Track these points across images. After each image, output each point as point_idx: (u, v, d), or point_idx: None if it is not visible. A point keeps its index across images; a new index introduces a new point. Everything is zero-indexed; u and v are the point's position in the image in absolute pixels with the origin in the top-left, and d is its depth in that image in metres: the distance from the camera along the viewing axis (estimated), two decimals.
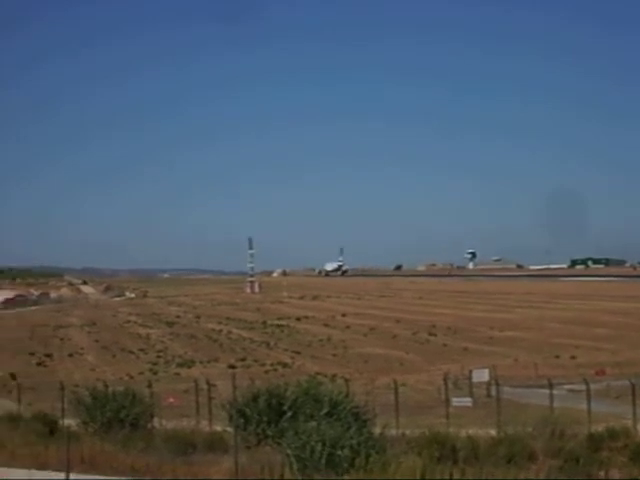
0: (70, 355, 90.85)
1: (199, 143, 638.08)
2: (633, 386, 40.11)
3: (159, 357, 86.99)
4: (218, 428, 29.15)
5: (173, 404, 40.24)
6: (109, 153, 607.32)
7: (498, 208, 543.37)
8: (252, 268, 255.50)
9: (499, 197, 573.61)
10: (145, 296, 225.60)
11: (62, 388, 38.30)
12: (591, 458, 23.13)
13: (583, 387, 42.70)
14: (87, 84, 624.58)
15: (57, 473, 18.64)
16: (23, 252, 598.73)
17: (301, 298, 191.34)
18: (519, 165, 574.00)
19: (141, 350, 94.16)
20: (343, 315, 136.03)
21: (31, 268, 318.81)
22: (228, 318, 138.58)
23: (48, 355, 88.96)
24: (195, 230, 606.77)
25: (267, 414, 24.16)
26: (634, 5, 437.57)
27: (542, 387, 48.48)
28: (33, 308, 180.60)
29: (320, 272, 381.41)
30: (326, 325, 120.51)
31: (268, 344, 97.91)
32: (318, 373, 64.73)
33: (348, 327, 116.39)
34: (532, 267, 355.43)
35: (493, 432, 29.21)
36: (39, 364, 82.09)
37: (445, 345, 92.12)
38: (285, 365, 77.65)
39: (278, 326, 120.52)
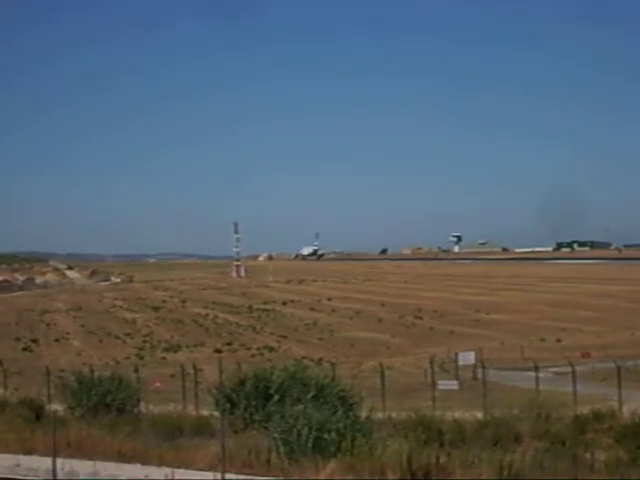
0: (56, 340, 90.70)
1: (187, 135, 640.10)
2: (618, 368, 40.30)
3: (145, 342, 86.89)
4: (205, 412, 29.12)
5: (159, 389, 40.19)
6: (96, 142, 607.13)
7: (483, 192, 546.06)
8: (238, 252, 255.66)
9: (484, 181, 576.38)
10: (131, 281, 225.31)
11: (48, 373, 38.20)
12: (577, 440, 23.21)
13: (569, 369, 42.81)
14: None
15: (44, 458, 18.59)
16: (7, 238, 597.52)
17: (287, 282, 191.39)
18: (503, 149, 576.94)
19: (127, 335, 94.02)
20: (329, 299, 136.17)
21: (16, 254, 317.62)
22: (214, 302, 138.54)
23: (34, 340, 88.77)
24: (181, 214, 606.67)
25: (254, 398, 24.16)
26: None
27: (528, 370, 48.67)
28: (19, 293, 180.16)
29: (297, 256, 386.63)
30: (312, 309, 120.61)
31: (254, 328, 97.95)
32: (304, 357, 64.86)
33: (334, 311, 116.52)
34: (517, 250, 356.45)
35: (479, 415, 29.26)
36: (25, 349, 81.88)
37: (431, 328, 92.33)
38: (271, 349, 77.69)
39: (264, 310, 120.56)
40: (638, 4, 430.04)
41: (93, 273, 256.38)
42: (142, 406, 29.31)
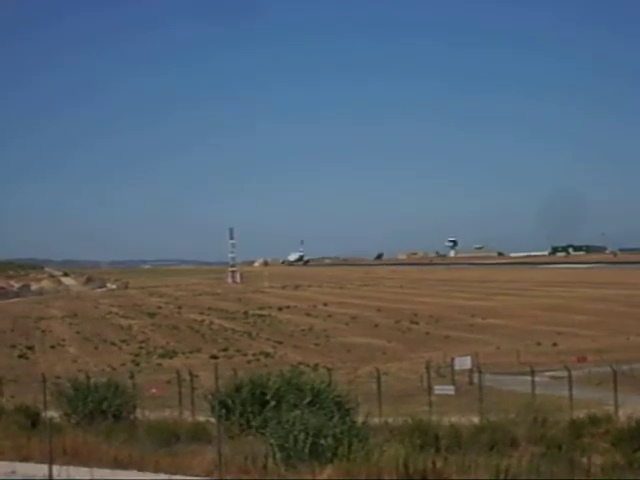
0: (52, 347, 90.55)
1: (183, 141, 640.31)
2: (614, 372, 40.30)
3: (141, 348, 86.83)
4: (201, 418, 29.08)
5: (155, 395, 40.20)
6: (93, 150, 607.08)
7: (482, 195, 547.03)
8: (233, 258, 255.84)
9: (483, 184, 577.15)
10: (126, 287, 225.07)
11: (44, 380, 38.13)
12: (573, 444, 23.22)
13: (565, 374, 42.88)
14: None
15: (40, 465, 18.55)
16: (2, 244, 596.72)
17: (283, 288, 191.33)
18: (502, 152, 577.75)
19: (123, 341, 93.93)
20: (325, 304, 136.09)
21: (11, 260, 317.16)
22: (210, 308, 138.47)
23: (30, 347, 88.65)
24: (177, 221, 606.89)
25: (250, 404, 24.14)
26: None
27: (524, 374, 48.73)
28: (14, 300, 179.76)
29: (284, 262, 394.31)
30: (308, 315, 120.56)
31: (250, 334, 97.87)
32: (300, 363, 64.84)
33: (330, 316, 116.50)
34: (513, 255, 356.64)
35: (475, 419, 29.27)
36: (21, 356, 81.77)
37: (427, 333, 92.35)
38: (267, 355, 77.66)
39: (260, 316, 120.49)
40: (638, 7, 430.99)
41: (89, 280, 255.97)
42: (138, 412, 29.25)
